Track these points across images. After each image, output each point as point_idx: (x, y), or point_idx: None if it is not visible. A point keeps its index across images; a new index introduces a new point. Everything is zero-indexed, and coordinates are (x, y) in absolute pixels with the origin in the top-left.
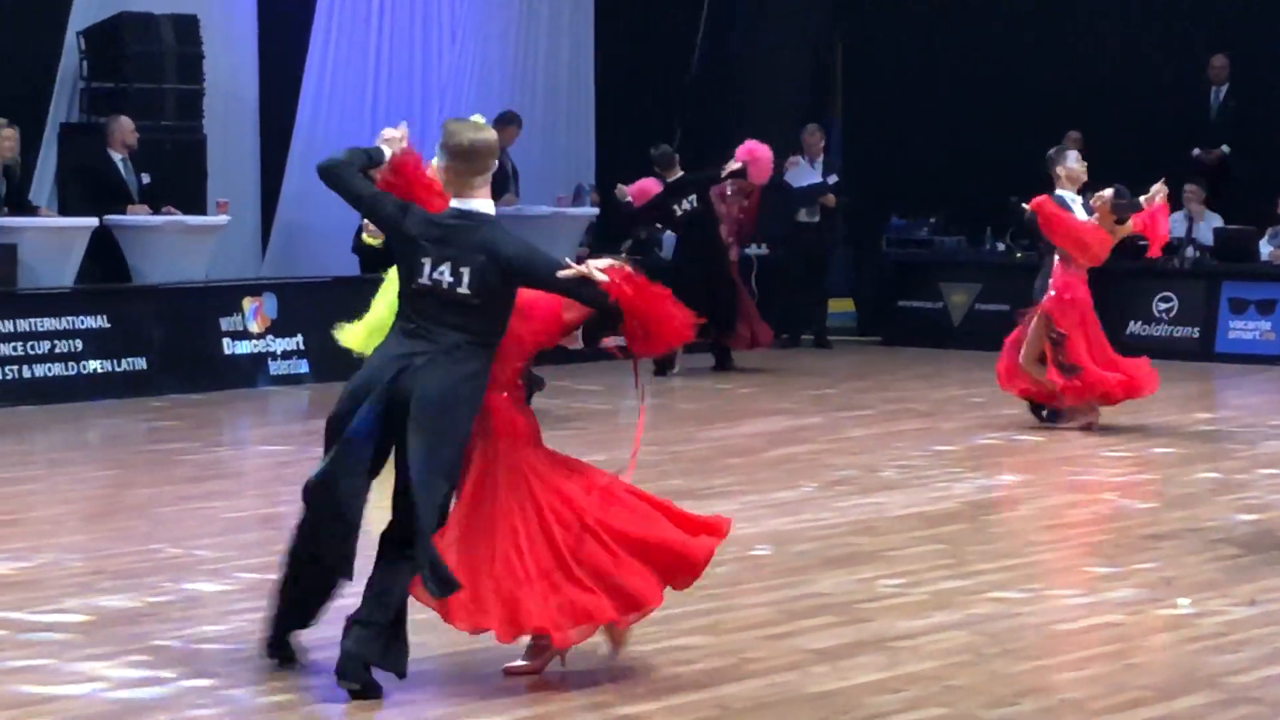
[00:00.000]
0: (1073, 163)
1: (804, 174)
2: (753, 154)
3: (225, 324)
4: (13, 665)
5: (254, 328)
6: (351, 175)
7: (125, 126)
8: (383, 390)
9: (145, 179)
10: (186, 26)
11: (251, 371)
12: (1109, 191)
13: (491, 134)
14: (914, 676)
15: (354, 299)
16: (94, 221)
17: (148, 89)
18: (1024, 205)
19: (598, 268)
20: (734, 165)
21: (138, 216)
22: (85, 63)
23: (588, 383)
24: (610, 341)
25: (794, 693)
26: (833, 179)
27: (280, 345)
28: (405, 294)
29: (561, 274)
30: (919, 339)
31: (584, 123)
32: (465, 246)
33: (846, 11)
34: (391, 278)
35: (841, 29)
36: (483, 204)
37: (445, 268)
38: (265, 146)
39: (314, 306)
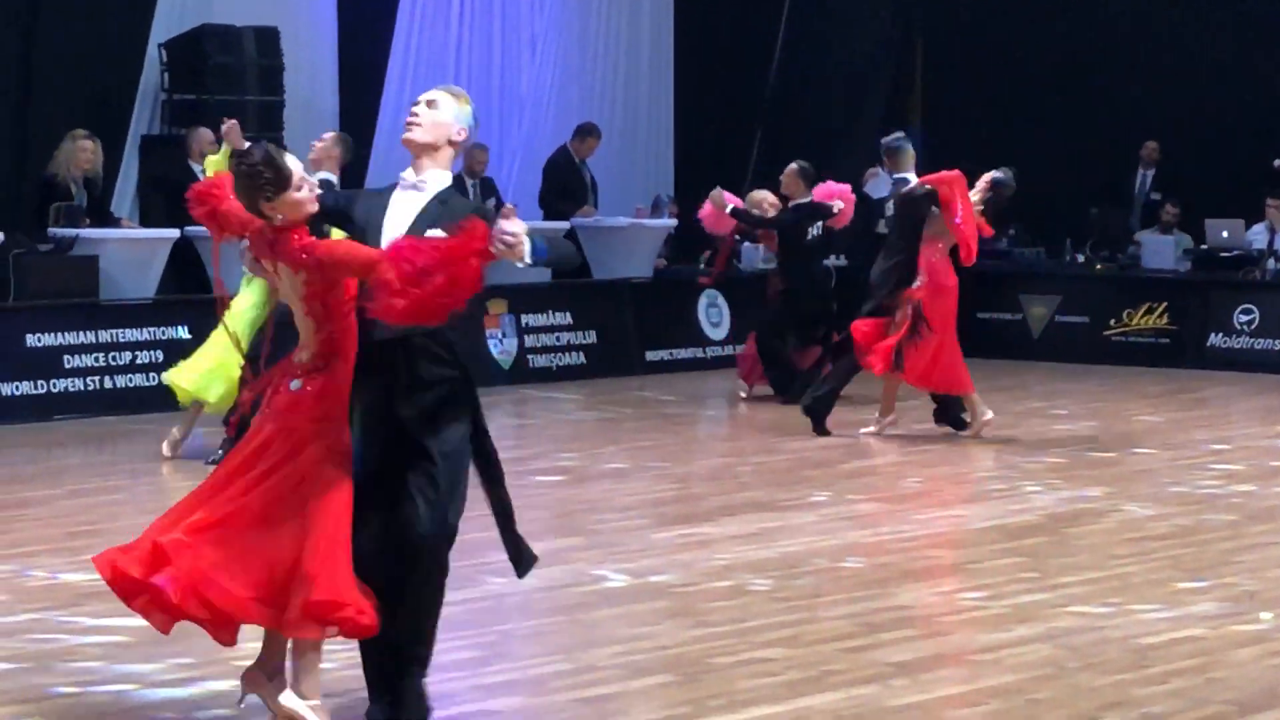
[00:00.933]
0: None
1: (883, 185)
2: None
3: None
4: (90, 674)
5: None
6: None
7: (205, 138)
8: None
9: None
10: (267, 38)
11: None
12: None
13: None
14: (995, 690)
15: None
16: (175, 233)
17: (228, 100)
18: None
19: None
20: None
21: (188, 228)
22: (166, 75)
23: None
24: None
25: (874, 706)
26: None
27: None
28: None
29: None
30: (998, 351)
31: (663, 133)
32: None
33: (926, 17)
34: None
35: (921, 35)
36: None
37: None
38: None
39: None
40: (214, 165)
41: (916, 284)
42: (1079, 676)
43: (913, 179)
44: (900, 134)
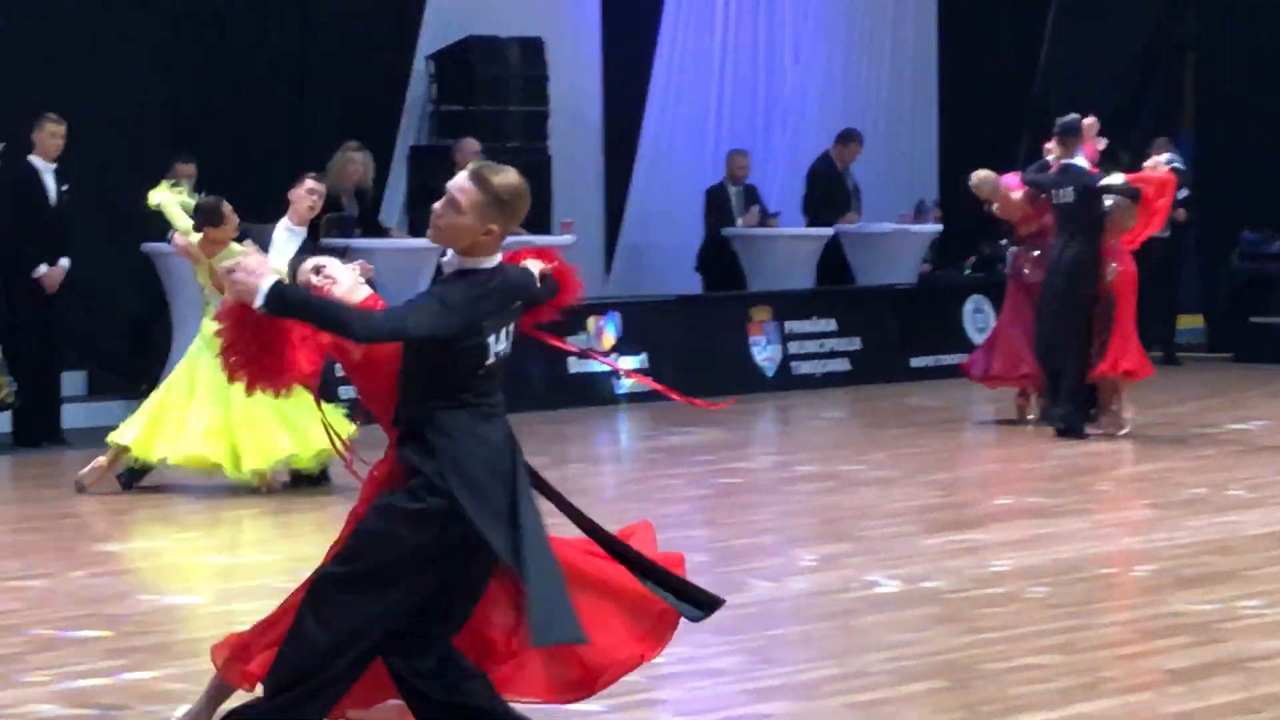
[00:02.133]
0: None
1: None
2: None
3: (571, 341)
4: None
5: (599, 347)
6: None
7: (471, 148)
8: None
9: None
10: (532, 49)
11: (597, 391)
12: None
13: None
14: (1274, 698)
15: (697, 317)
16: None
17: (494, 111)
18: None
19: None
20: None
21: None
22: (434, 86)
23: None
24: None
25: (1150, 713)
26: (1182, 193)
27: (626, 363)
28: (469, 379)
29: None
30: (1272, 356)
31: (927, 139)
32: (507, 304)
33: (1197, 21)
34: (175, 379)
35: (1192, 39)
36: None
37: (502, 336)
38: (609, 167)
39: (659, 324)
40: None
41: (1113, 270)
42: None
43: (1083, 164)
44: (1076, 117)
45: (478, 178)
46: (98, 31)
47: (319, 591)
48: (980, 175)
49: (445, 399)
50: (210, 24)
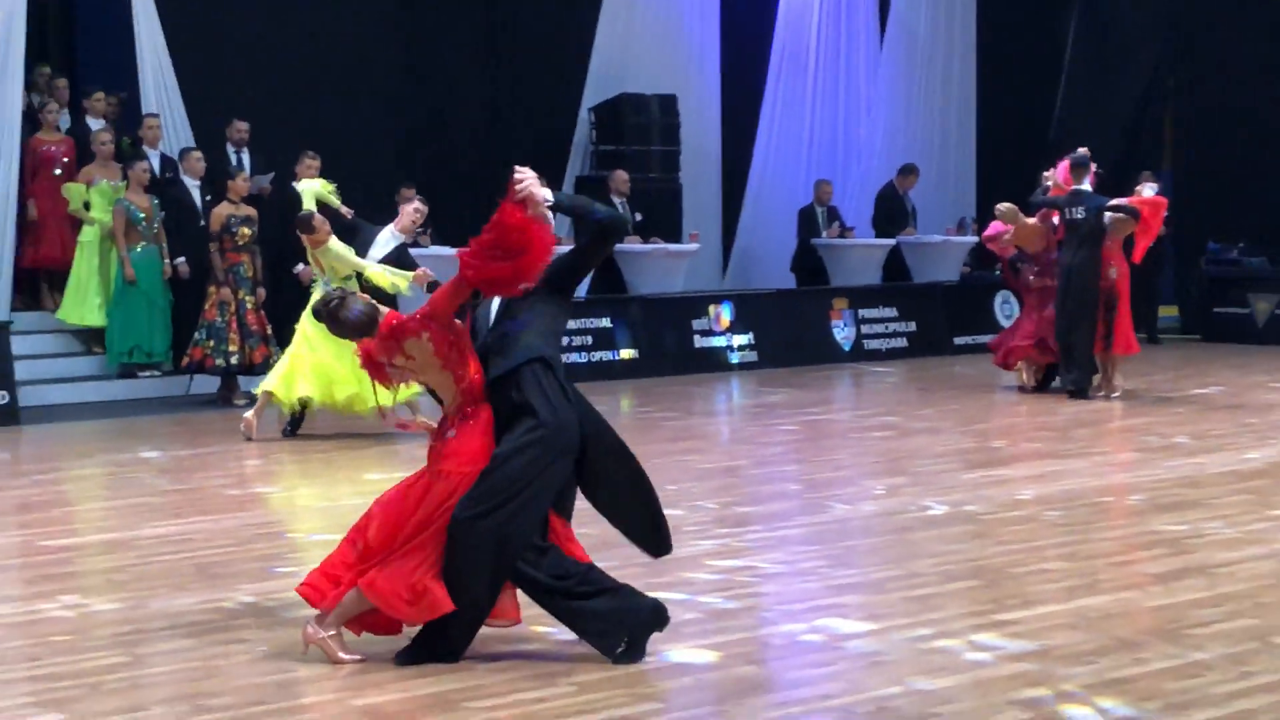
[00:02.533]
0: None
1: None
2: None
3: (696, 324)
4: None
5: (717, 327)
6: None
7: (621, 178)
8: None
9: (638, 217)
10: (668, 103)
11: (715, 361)
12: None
13: None
14: (1229, 595)
15: (791, 305)
16: None
17: (639, 150)
18: None
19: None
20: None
21: (633, 245)
22: (594, 131)
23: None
24: None
25: (1135, 606)
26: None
27: (738, 340)
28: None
29: None
30: (1230, 338)
31: (967, 169)
32: None
33: (1176, 81)
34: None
35: (1171, 94)
36: None
37: None
38: (725, 192)
39: (763, 311)
40: (310, 195)
41: (1114, 272)
42: None
43: (1088, 188)
44: (1085, 152)
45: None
46: (344, 84)
47: (469, 533)
48: (1005, 206)
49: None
50: (429, 80)
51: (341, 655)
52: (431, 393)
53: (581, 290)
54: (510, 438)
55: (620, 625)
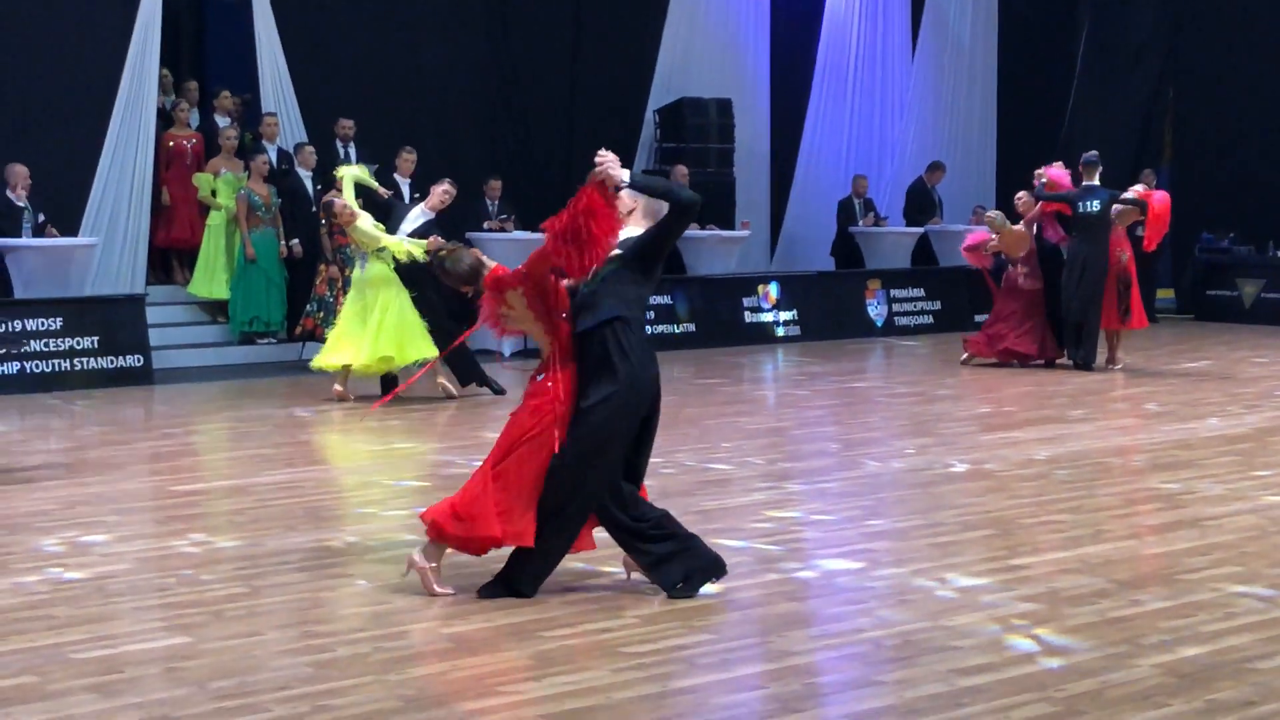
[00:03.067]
0: None
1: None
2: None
3: (746, 302)
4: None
5: (765, 304)
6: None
7: (681, 172)
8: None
9: None
10: (723, 106)
11: (763, 334)
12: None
13: None
14: (1218, 545)
15: (831, 285)
16: None
17: (698, 148)
18: None
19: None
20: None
21: (692, 231)
22: (658, 130)
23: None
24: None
25: (1133, 554)
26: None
27: (783, 316)
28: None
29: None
30: (1220, 317)
31: (988, 166)
32: None
33: (1176, 87)
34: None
35: (1170, 101)
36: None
37: None
38: (774, 185)
39: (806, 290)
40: (350, 178)
41: (1124, 255)
42: (1276, 538)
43: (1096, 184)
44: (1095, 153)
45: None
46: (439, 86)
47: (564, 474)
48: (994, 214)
49: (633, 320)
50: (514, 84)
51: (436, 588)
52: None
53: None
54: (593, 391)
55: (682, 567)
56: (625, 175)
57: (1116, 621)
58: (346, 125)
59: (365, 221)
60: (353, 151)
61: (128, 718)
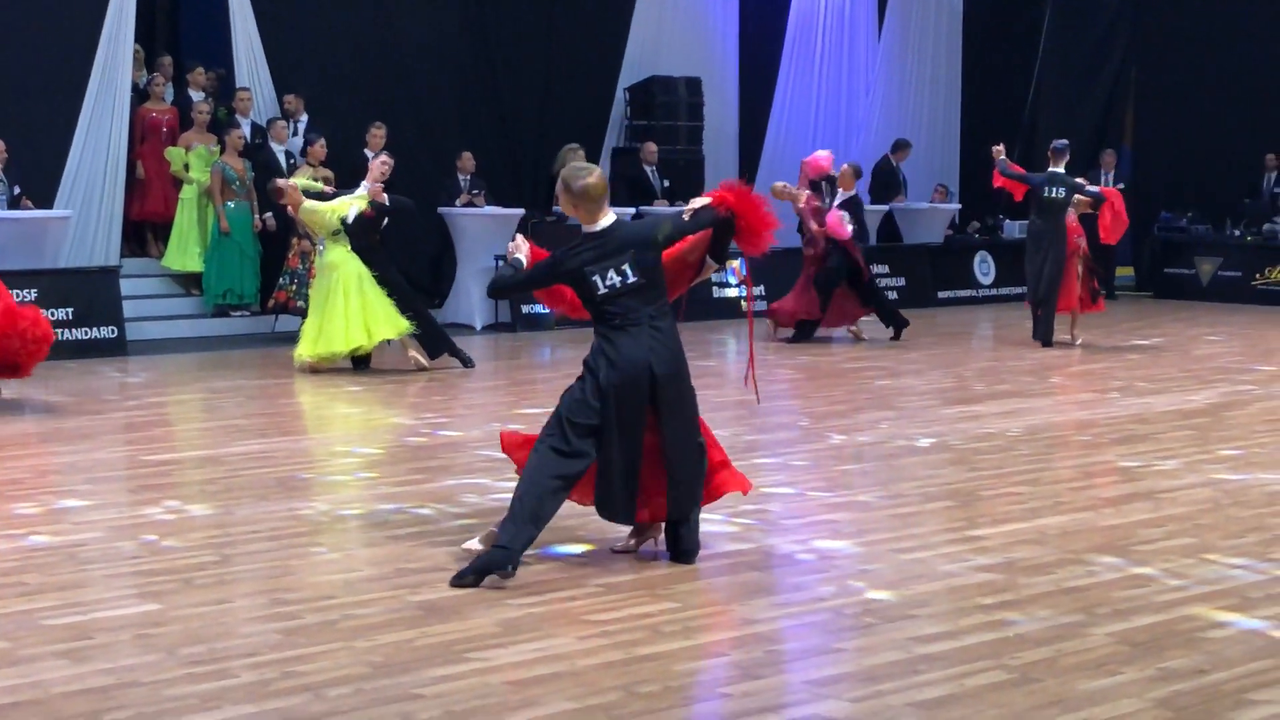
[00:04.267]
0: None
1: (1099, 182)
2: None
3: (714, 277)
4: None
5: (734, 280)
6: (515, 281)
7: (651, 149)
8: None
9: (666, 183)
10: (692, 84)
11: (731, 309)
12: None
13: (599, 178)
14: (1172, 517)
15: (799, 263)
16: (631, 210)
17: (667, 125)
18: None
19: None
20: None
21: (661, 207)
22: (628, 108)
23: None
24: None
25: (1089, 525)
26: (1120, 186)
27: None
28: (595, 307)
29: (685, 217)
30: (1178, 294)
31: (952, 146)
32: (618, 252)
33: (1138, 72)
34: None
35: (1131, 82)
36: (608, 218)
37: (612, 273)
38: (742, 162)
39: (773, 267)
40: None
41: (1083, 240)
42: (1229, 510)
43: (1062, 171)
44: (1065, 141)
45: (561, 181)
46: (411, 60)
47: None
48: (780, 185)
49: (594, 318)
50: (488, 61)
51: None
52: None
53: None
54: None
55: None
56: (523, 256)
57: (1072, 591)
58: (290, 100)
59: (309, 203)
60: (301, 125)
61: (98, 683)
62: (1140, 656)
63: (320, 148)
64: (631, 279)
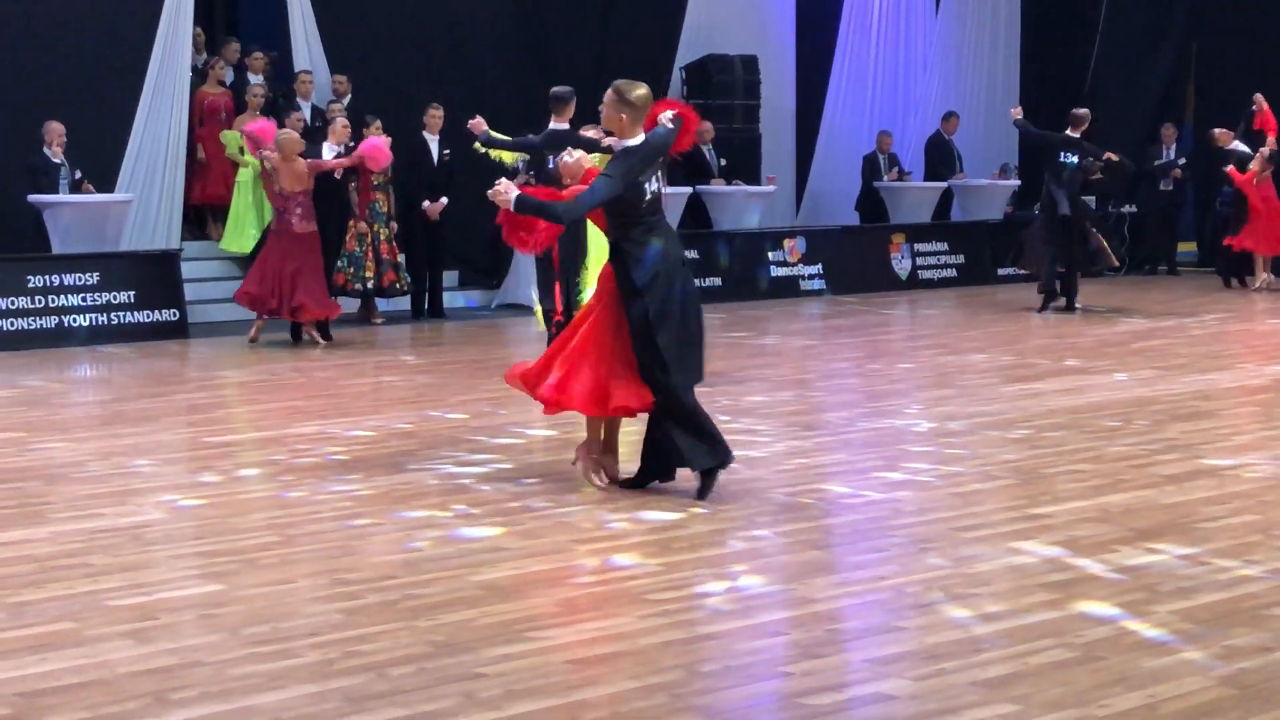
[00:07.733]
0: None
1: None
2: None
3: (772, 256)
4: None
5: (790, 259)
6: (587, 202)
7: (707, 128)
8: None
9: (723, 162)
10: (749, 62)
11: (789, 288)
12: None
13: (648, 90)
14: (1235, 495)
15: (856, 239)
16: (688, 190)
17: (724, 104)
18: None
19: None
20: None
21: (718, 187)
22: (685, 87)
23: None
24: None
25: (1152, 503)
26: (1181, 161)
27: (807, 270)
28: (641, 208)
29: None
30: (1241, 270)
31: (1010, 121)
32: (653, 161)
33: (1201, 28)
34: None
35: (1193, 58)
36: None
37: (655, 180)
38: (799, 141)
39: (831, 245)
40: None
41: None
42: None
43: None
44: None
45: (613, 88)
46: (466, 42)
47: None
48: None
49: (621, 225)
50: (545, 41)
51: (594, 479)
52: None
53: (678, 224)
54: None
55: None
56: (513, 197)
57: (1134, 569)
58: (338, 81)
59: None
60: (346, 104)
61: (162, 663)
62: (1204, 634)
63: (343, 127)
64: (662, 184)
